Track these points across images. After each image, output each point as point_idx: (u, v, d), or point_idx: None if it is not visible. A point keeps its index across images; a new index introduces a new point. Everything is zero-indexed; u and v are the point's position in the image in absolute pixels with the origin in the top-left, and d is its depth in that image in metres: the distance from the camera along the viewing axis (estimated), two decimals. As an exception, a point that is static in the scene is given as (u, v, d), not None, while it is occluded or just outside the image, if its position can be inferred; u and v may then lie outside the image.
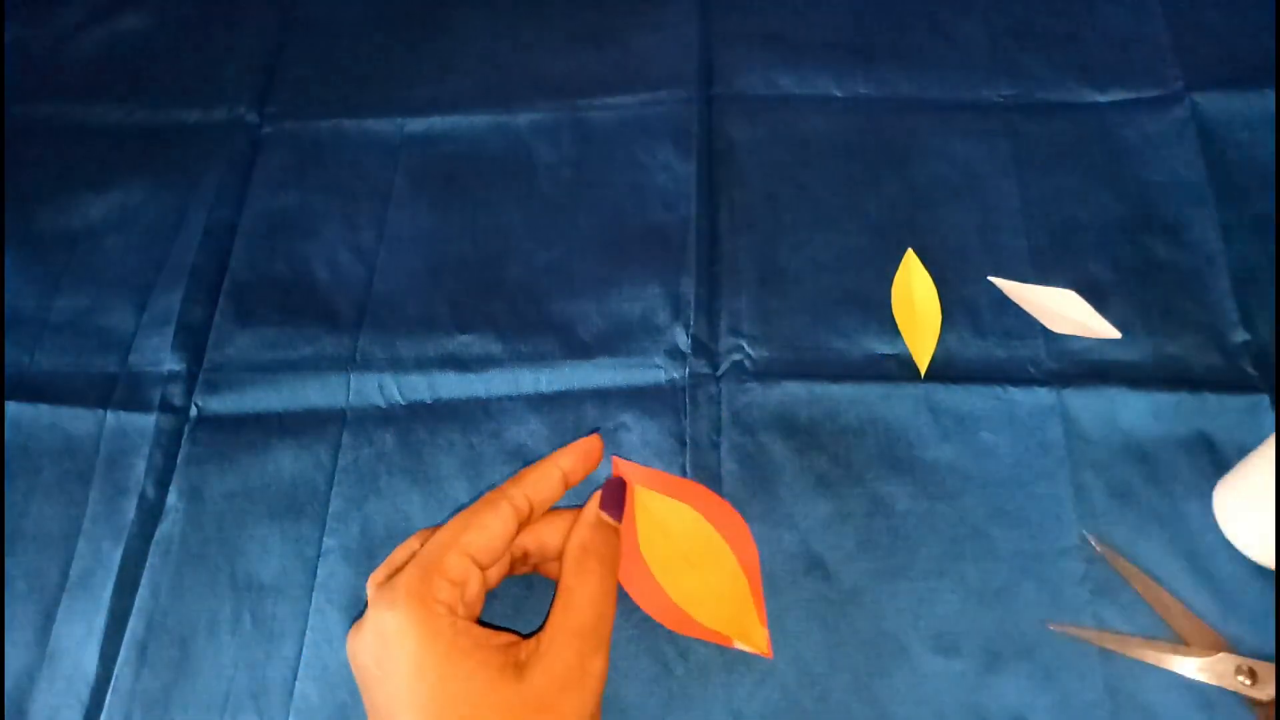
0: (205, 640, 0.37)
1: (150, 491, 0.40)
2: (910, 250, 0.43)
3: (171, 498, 0.40)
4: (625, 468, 0.36)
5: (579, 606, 0.31)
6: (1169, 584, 0.35)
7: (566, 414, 0.40)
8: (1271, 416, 0.38)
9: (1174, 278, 0.42)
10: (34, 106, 0.51)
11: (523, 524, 0.33)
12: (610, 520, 0.34)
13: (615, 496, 0.34)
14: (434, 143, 0.48)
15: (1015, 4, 0.50)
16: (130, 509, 0.40)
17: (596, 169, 0.47)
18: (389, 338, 0.43)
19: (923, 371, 0.40)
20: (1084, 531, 0.36)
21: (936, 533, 0.37)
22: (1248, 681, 0.33)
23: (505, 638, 0.30)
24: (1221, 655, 0.33)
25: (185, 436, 0.41)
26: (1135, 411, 0.38)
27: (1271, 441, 0.33)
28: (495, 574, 0.33)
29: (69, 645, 0.37)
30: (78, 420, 0.42)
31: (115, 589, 0.38)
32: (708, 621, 0.34)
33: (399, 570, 0.30)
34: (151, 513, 0.40)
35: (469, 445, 0.40)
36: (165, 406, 0.42)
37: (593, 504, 0.34)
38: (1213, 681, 0.33)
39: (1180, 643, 0.34)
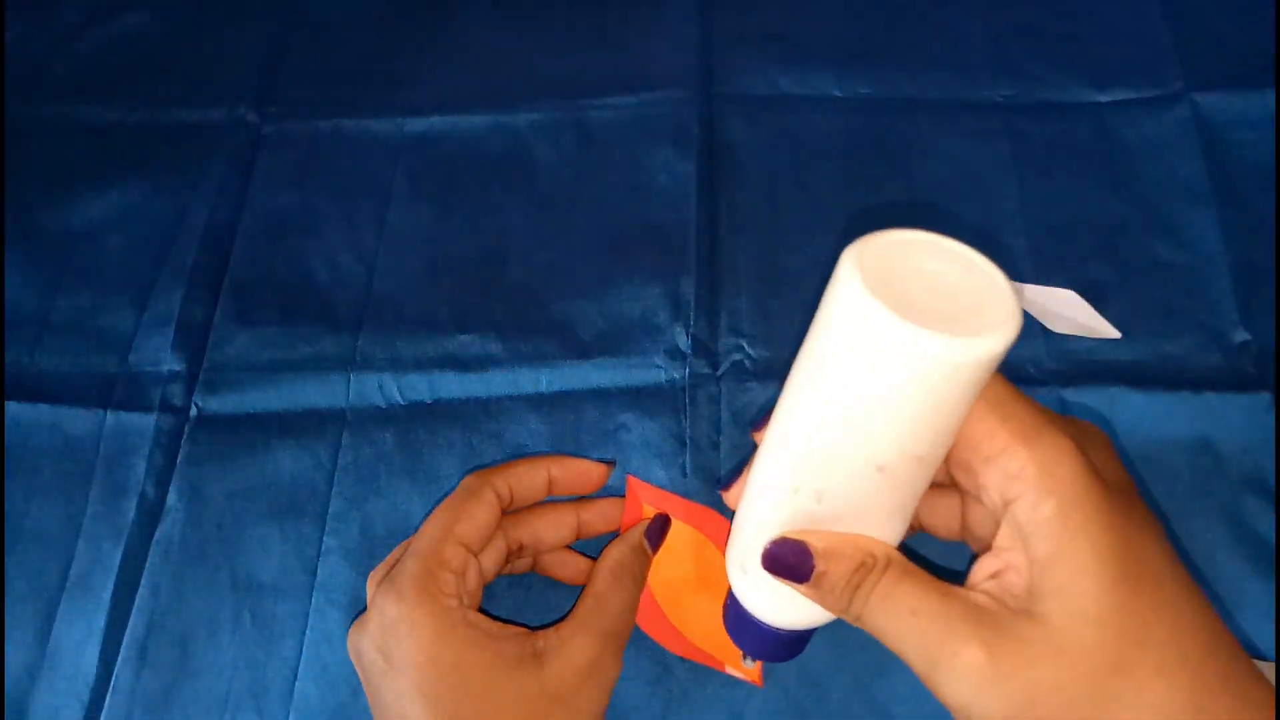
0: (205, 640, 0.37)
1: (150, 491, 0.40)
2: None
3: (171, 498, 0.40)
4: (638, 487, 0.36)
5: (609, 612, 0.31)
6: (1169, 584, 0.35)
7: (566, 414, 0.40)
8: (1272, 416, 0.38)
9: (1174, 278, 0.42)
10: (34, 106, 0.51)
11: (504, 511, 0.33)
12: (649, 549, 0.34)
13: (659, 529, 0.35)
14: (434, 143, 0.48)
15: (1015, 4, 0.50)
16: (130, 509, 0.40)
17: (596, 169, 0.47)
18: (389, 338, 0.43)
19: None
20: (1084, 531, 0.36)
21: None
22: (1248, 681, 0.33)
23: (516, 628, 0.30)
24: (1221, 655, 0.33)
25: (185, 436, 0.41)
26: (1135, 411, 0.38)
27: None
28: (490, 563, 0.33)
29: (69, 645, 0.37)
30: (78, 420, 0.42)
31: (115, 589, 0.38)
32: (702, 644, 0.35)
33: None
34: (151, 513, 0.40)
35: (469, 445, 0.40)
36: (165, 406, 0.42)
37: (637, 530, 0.35)
38: (1213, 681, 0.33)
39: (1180, 643, 0.34)
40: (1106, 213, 0.43)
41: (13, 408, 0.42)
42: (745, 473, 0.28)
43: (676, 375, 0.41)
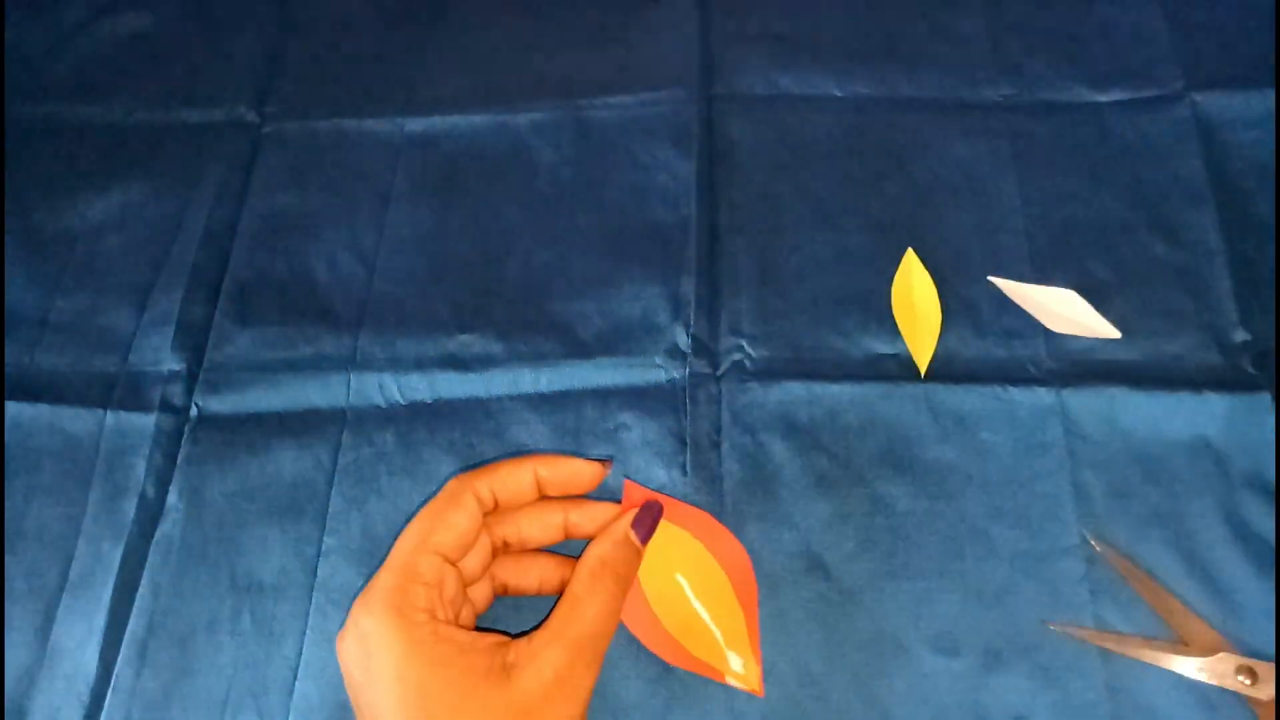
0: (205, 640, 0.37)
1: (150, 491, 0.40)
2: (910, 250, 0.43)
3: (171, 498, 0.40)
4: (635, 491, 0.36)
5: (584, 617, 0.30)
6: (1169, 584, 0.35)
7: (566, 414, 0.40)
8: (1271, 416, 0.38)
9: (1174, 278, 0.42)
10: (34, 106, 0.51)
11: (486, 516, 0.33)
12: (636, 541, 0.33)
13: (648, 520, 0.34)
14: (434, 143, 0.48)
15: (1015, 4, 0.50)
16: (130, 509, 0.40)
17: (596, 169, 0.47)
18: (389, 337, 0.43)
19: (923, 372, 0.40)
20: (1084, 531, 0.36)
21: (936, 533, 0.37)
22: (1247, 681, 0.33)
23: (491, 639, 0.30)
24: (1221, 655, 0.33)
25: (185, 436, 0.41)
26: (1135, 411, 0.38)
27: None
28: (475, 564, 0.33)
29: (69, 645, 0.37)
30: (78, 420, 0.42)
31: (115, 589, 0.38)
32: (700, 654, 0.34)
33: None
34: (151, 513, 0.40)
35: (469, 445, 0.40)
36: (165, 406, 0.42)
37: (623, 522, 0.33)
38: (1213, 681, 0.33)
39: (1180, 643, 0.34)
40: (1106, 213, 0.43)
41: (13, 408, 0.42)
42: None
43: (676, 375, 0.41)
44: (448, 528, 0.31)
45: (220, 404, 0.42)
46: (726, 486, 0.38)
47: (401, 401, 0.41)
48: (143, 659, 0.37)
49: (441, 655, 0.28)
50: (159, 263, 0.46)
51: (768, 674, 0.35)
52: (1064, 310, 0.41)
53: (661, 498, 0.36)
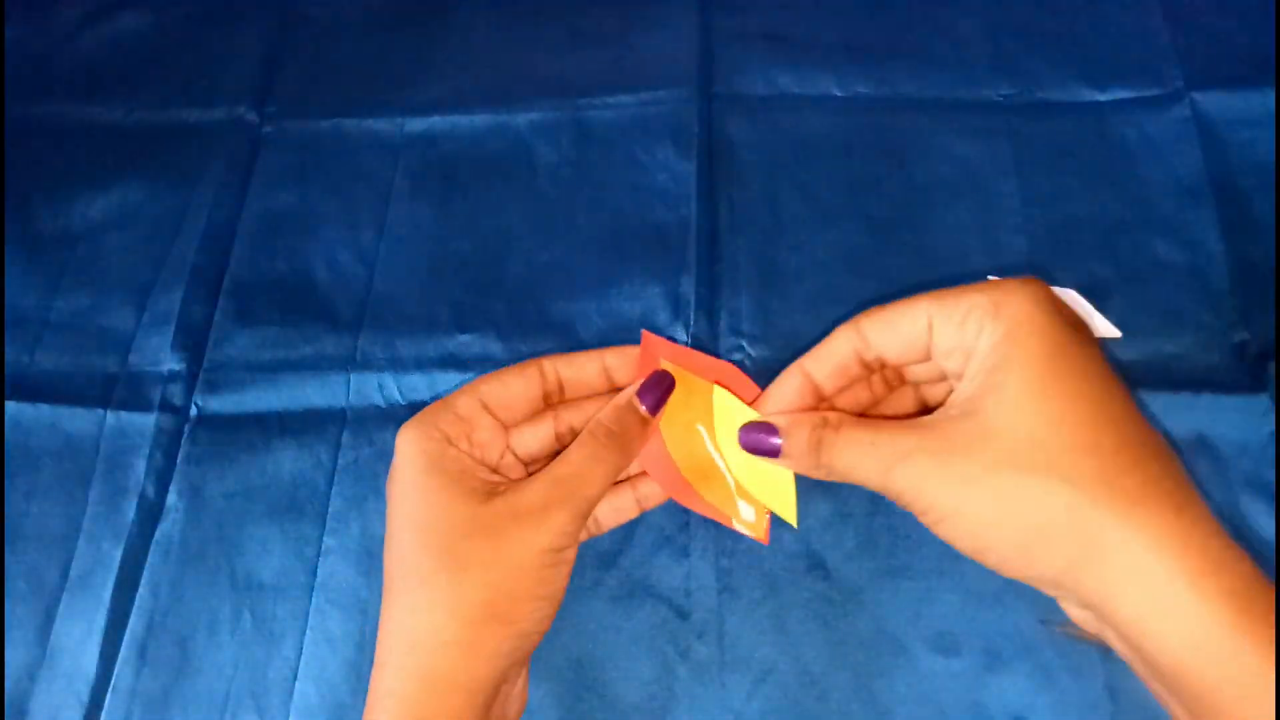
0: (205, 640, 0.37)
1: (150, 491, 0.40)
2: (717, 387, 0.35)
3: (171, 498, 0.40)
4: (656, 344, 0.35)
5: (569, 460, 0.31)
6: (1169, 584, 0.35)
7: (566, 414, 0.40)
8: (1271, 417, 0.38)
9: (1174, 277, 0.42)
10: (34, 106, 0.51)
11: (549, 396, 0.34)
12: (640, 408, 0.33)
13: (657, 388, 0.33)
14: (434, 142, 0.48)
15: (1015, 3, 0.50)
16: (130, 509, 0.40)
17: (596, 169, 0.47)
18: (389, 337, 0.43)
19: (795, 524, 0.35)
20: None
21: (936, 532, 0.37)
22: (1248, 681, 0.33)
23: (491, 475, 0.32)
24: (1221, 655, 0.33)
25: (185, 436, 0.41)
26: (1135, 411, 0.38)
27: None
28: (533, 442, 0.34)
29: (69, 645, 0.38)
30: (78, 420, 0.42)
31: (115, 589, 0.38)
32: (712, 499, 0.34)
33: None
34: (151, 513, 0.40)
35: (469, 445, 0.40)
36: (165, 406, 0.42)
37: (630, 390, 0.33)
38: (1213, 681, 0.33)
39: (1180, 642, 0.34)
40: (1106, 212, 0.43)
41: (13, 408, 0.42)
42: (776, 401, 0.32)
43: (676, 375, 0.41)
44: (499, 382, 0.33)
45: (220, 404, 0.42)
46: (726, 486, 0.38)
47: (401, 401, 0.41)
48: (143, 659, 0.37)
49: (439, 468, 0.30)
50: (159, 262, 0.46)
51: (768, 673, 0.35)
52: (1064, 310, 0.41)
53: (682, 349, 0.35)
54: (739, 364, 0.41)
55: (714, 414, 0.34)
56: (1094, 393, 0.25)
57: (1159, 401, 0.38)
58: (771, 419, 0.31)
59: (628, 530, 0.38)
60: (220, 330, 0.44)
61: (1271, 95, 0.45)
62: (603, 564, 0.38)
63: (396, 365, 0.42)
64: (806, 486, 0.38)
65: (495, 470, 0.33)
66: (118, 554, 0.39)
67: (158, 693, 0.36)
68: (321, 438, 0.41)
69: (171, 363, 0.43)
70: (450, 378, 0.41)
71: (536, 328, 0.43)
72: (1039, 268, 0.42)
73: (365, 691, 0.30)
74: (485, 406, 0.33)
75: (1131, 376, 0.39)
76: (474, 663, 0.28)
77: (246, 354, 0.43)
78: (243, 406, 0.42)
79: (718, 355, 0.41)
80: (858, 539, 0.37)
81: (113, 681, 0.37)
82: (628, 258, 0.44)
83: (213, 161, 0.48)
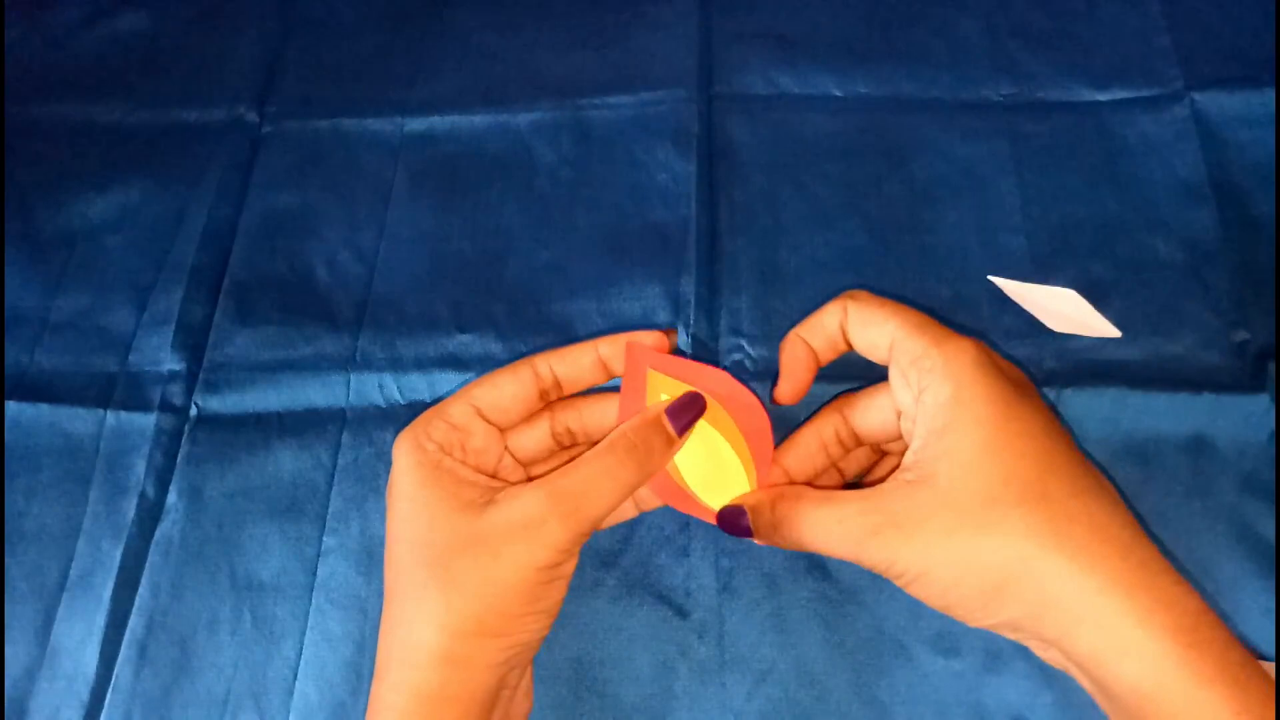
0: (205, 640, 0.37)
1: (150, 491, 0.40)
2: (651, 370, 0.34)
3: (171, 497, 0.40)
4: (641, 354, 0.33)
5: (575, 474, 0.30)
6: (1169, 584, 0.35)
7: (566, 414, 0.40)
8: (1271, 417, 0.38)
9: (1174, 278, 0.42)
10: (34, 106, 0.51)
11: (545, 394, 0.33)
12: (668, 426, 0.32)
13: (689, 410, 0.32)
14: (434, 142, 0.48)
15: (1015, 3, 0.50)
16: (130, 509, 0.40)
17: (596, 169, 0.47)
18: (389, 337, 0.43)
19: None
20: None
21: (936, 532, 0.37)
22: (1248, 681, 0.33)
23: (487, 481, 0.31)
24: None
25: (185, 436, 0.41)
26: (1135, 411, 0.38)
27: None
28: (529, 444, 0.34)
29: (69, 645, 0.38)
30: (78, 420, 0.42)
31: (115, 589, 0.38)
32: (707, 501, 0.33)
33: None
34: (151, 512, 0.40)
35: (469, 445, 0.40)
36: (165, 406, 0.42)
37: (659, 407, 0.32)
38: (1213, 681, 0.33)
39: (1180, 642, 0.34)
40: (1106, 212, 0.43)
41: (13, 408, 0.42)
42: (790, 374, 0.33)
43: (676, 375, 0.41)
44: (492, 386, 0.32)
45: (220, 403, 0.42)
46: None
47: (401, 401, 0.41)
48: (143, 659, 0.37)
49: (433, 479, 0.30)
50: (159, 263, 0.46)
51: (767, 673, 0.35)
52: (1064, 310, 0.41)
53: (672, 359, 0.33)
54: (739, 364, 0.41)
55: (709, 418, 0.33)
56: (1039, 448, 0.27)
57: (1159, 401, 0.38)
58: (740, 501, 0.32)
59: (628, 530, 0.38)
60: (220, 330, 0.44)
61: (1271, 95, 0.45)
62: (603, 564, 0.38)
63: (396, 365, 0.42)
64: (806, 486, 0.38)
65: (495, 475, 0.32)
66: (118, 554, 0.39)
67: (158, 692, 0.36)
68: (321, 438, 0.41)
69: (171, 363, 0.43)
70: (450, 378, 0.41)
71: (536, 328, 0.43)
72: (1039, 267, 0.42)
73: (365, 691, 0.30)
74: (479, 412, 0.32)
75: (1132, 376, 0.39)
76: (468, 675, 0.28)
77: (246, 354, 0.43)
78: (243, 406, 0.42)
79: (718, 355, 0.41)
80: (858, 539, 0.37)
81: (113, 681, 0.37)
82: (627, 258, 0.44)
83: (213, 161, 0.48)
